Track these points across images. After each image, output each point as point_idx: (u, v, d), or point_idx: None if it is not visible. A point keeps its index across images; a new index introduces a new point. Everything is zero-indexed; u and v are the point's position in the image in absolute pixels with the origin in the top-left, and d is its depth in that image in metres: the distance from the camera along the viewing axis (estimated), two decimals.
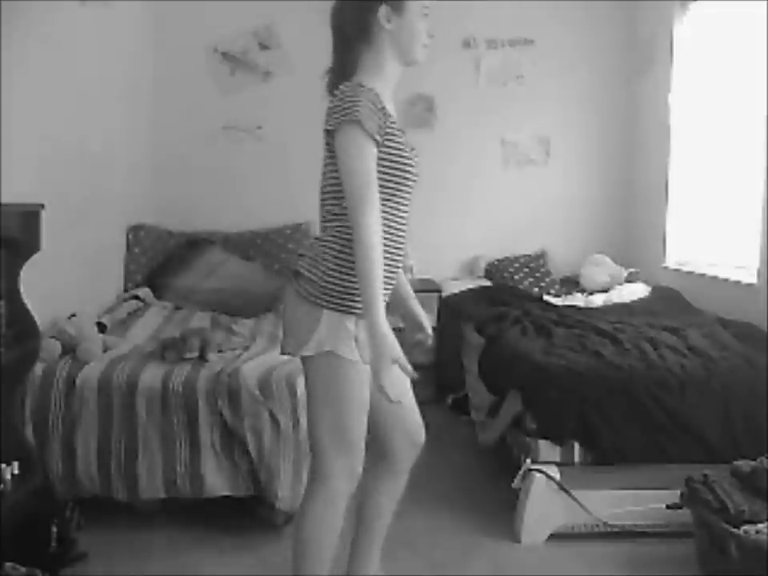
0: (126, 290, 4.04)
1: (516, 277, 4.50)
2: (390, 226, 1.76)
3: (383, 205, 1.72)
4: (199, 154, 4.61)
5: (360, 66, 1.81)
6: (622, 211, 4.78)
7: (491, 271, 4.60)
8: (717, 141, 3.89)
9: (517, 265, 4.59)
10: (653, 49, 4.42)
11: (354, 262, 1.68)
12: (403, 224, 1.83)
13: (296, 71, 4.53)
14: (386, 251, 1.71)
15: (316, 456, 1.84)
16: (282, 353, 1.86)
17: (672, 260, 4.27)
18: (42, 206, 2.40)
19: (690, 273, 4.03)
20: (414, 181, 1.82)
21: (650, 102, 4.51)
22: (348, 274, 1.73)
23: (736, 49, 3.69)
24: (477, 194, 4.75)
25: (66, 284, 3.18)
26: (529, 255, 4.69)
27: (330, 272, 1.75)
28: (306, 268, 1.79)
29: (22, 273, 2.36)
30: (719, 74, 3.85)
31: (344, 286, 1.73)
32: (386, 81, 1.81)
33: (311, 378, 1.81)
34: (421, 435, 2.04)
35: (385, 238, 1.70)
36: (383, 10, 1.75)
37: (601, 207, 4.81)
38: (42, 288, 2.67)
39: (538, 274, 4.53)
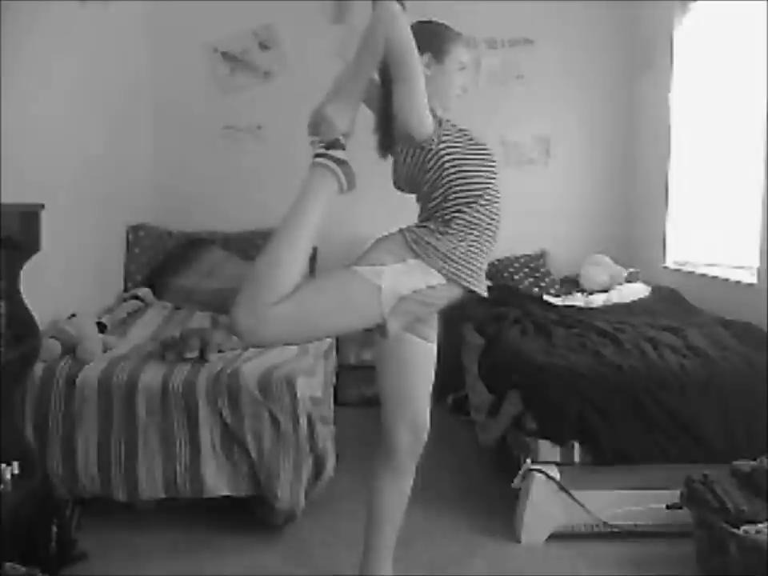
0: (126, 290, 4.05)
1: (516, 277, 4.50)
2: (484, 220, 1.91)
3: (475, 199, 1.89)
4: (199, 154, 4.61)
5: None
6: (622, 211, 4.78)
7: (491, 271, 4.58)
8: (717, 141, 3.89)
9: (517, 265, 4.58)
10: (653, 49, 4.42)
11: (462, 244, 1.87)
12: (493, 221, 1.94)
13: (296, 71, 4.53)
14: (479, 241, 1.90)
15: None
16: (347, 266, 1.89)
17: (672, 260, 4.26)
18: (42, 206, 2.40)
19: (690, 273, 4.02)
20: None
21: (649, 101, 4.51)
22: (452, 249, 1.86)
23: (736, 49, 3.69)
24: None
25: (66, 284, 3.18)
26: (529, 255, 4.69)
27: (439, 236, 1.86)
28: (419, 227, 1.90)
29: (21, 273, 2.36)
30: (719, 74, 3.85)
31: (442, 251, 1.85)
32: (443, 119, 1.96)
33: (338, 277, 1.83)
34: (423, 433, 2.08)
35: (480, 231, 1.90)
36: (425, 58, 1.92)
37: (601, 207, 4.81)
38: (42, 288, 2.67)
39: (537, 274, 4.53)
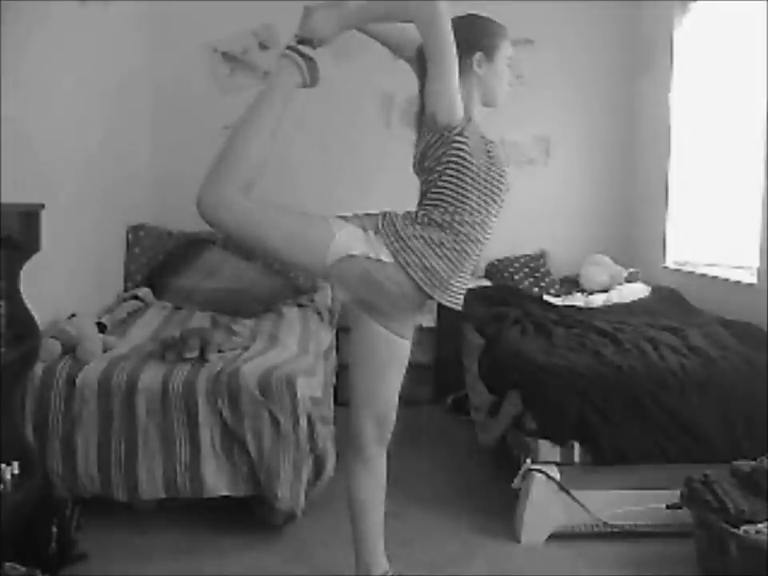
0: (126, 290, 4.05)
1: (516, 277, 4.50)
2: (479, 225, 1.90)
3: (478, 207, 1.88)
4: (199, 154, 4.57)
5: None
6: (622, 211, 4.78)
7: (491, 271, 4.60)
8: (717, 141, 3.89)
9: (517, 265, 4.59)
10: (653, 49, 4.42)
11: (423, 236, 1.85)
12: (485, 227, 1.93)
13: None
14: (442, 244, 1.86)
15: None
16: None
17: (672, 260, 4.27)
18: (42, 205, 2.40)
19: (690, 273, 4.03)
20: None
21: (649, 101, 4.51)
22: (408, 234, 1.85)
23: (736, 49, 3.69)
24: None
25: (66, 284, 3.18)
26: (529, 255, 4.69)
27: (406, 220, 1.87)
28: (397, 214, 1.90)
29: (21, 273, 2.36)
30: (719, 74, 3.85)
31: (399, 230, 1.85)
32: (473, 119, 1.93)
33: (309, 212, 1.93)
34: (390, 422, 2.08)
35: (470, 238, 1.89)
36: (477, 57, 1.92)
37: (601, 207, 4.81)
38: (42, 288, 2.67)
39: (537, 274, 4.53)
